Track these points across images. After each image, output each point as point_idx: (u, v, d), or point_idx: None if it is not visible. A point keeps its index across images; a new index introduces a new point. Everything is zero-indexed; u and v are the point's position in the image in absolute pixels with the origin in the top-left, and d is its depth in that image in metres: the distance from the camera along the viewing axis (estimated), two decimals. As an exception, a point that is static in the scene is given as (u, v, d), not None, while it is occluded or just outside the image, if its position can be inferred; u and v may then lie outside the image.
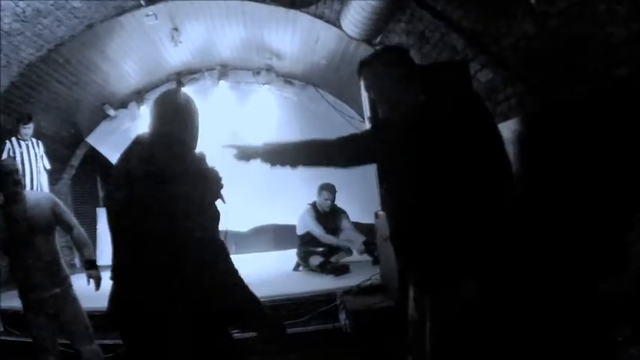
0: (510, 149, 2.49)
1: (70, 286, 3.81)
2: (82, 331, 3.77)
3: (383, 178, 2.61)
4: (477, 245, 2.03)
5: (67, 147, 8.45)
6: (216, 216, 2.19)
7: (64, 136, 8.14)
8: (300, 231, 6.45)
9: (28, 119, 6.25)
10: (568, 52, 3.34)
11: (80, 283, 3.90)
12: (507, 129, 3.38)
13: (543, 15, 3.29)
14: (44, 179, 6.70)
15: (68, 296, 3.77)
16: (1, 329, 5.38)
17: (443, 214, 2.07)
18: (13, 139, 6.25)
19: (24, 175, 5.88)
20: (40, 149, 6.59)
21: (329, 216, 6.40)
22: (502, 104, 4.28)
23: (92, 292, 3.77)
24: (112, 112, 8.58)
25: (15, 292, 5.85)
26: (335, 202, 6.45)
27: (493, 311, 2.09)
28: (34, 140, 6.48)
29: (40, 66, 6.14)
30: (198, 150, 2.26)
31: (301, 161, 2.36)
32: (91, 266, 3.84)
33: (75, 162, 8.79)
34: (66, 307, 3.72)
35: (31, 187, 6.25)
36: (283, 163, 2.32)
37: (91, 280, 3.81)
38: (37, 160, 6.50)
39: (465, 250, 2.03)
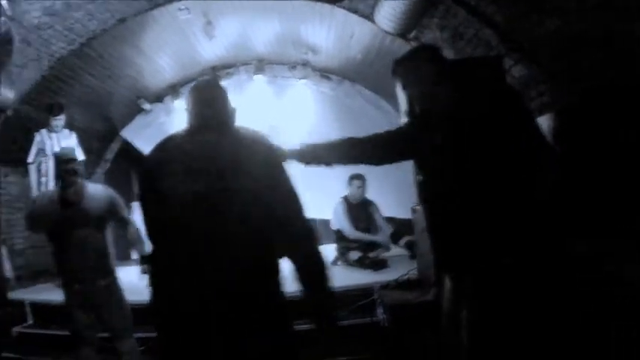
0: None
1: (115, 279, 3.82)
2: (125, 325, 3.79)
3: (419, 172, 2.64)
4: (513, 238, 2.06)
5: (100, 140, 8.53)
6: (270, 208, 2.03)
7: (97, 130, 8.20)
8: (334, 226, 6.47)
9: (59, 110, 6.09)
10: (598, 48, 3.20)
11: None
12: (541, 124, 3.31)
13: (574, 10, 3.14)
14: (77, 171, 6.65)
15: (113, 289, 3.78)
16: (31, 322, 5.45)
17: (478, 208, 2.10)
18: (44, 130, 6.14)
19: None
20: (73, 141, 6.36)
21: (360, 207, 6.39)
22: (535, 100, 4.17)
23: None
24: (147, 105, 8.60)
25: (45, 286, 6.02)
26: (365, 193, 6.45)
27: (529, 304, 2.07)
28: (66, 131, 6.31)
29: (71, 59, 6.15)
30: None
31: (336, 160, 2.51)
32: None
33: (109, 156, 8.89)
34: (110, 299, 3.73)
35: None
36: (319, 162, 2.50)
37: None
38: (68, 152, 6.44)
39: (501, 243, 2.07)
